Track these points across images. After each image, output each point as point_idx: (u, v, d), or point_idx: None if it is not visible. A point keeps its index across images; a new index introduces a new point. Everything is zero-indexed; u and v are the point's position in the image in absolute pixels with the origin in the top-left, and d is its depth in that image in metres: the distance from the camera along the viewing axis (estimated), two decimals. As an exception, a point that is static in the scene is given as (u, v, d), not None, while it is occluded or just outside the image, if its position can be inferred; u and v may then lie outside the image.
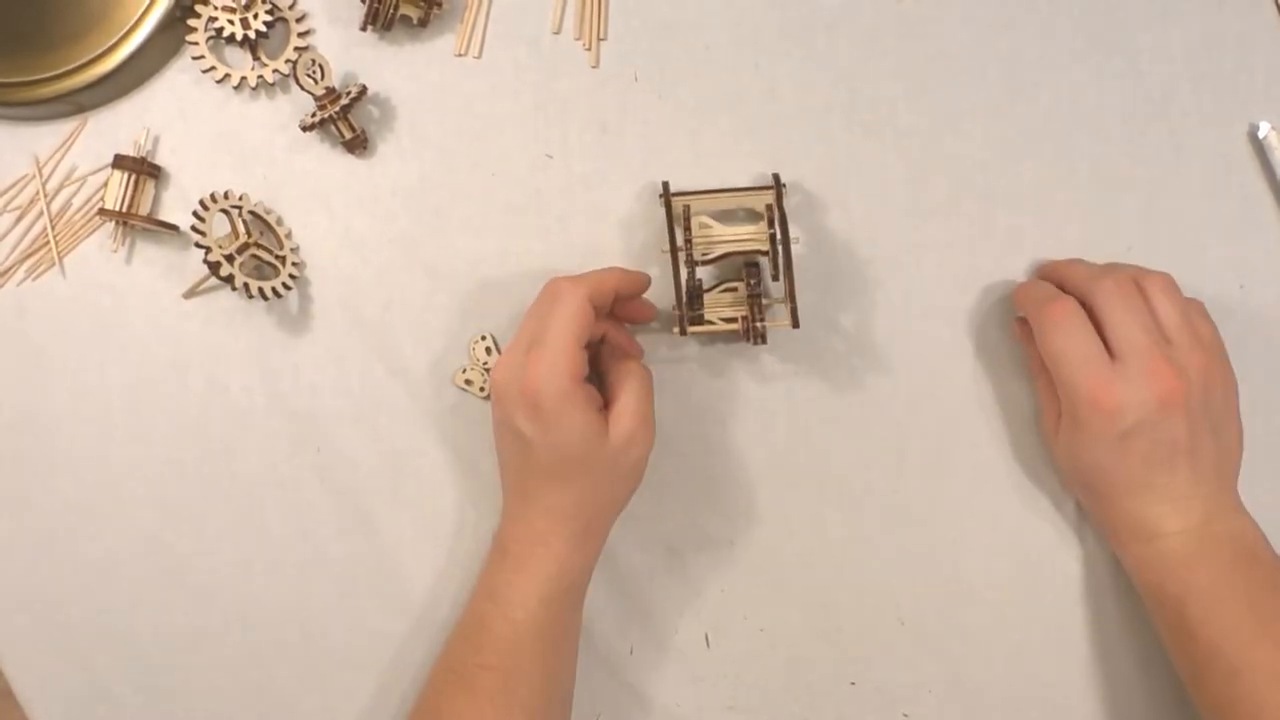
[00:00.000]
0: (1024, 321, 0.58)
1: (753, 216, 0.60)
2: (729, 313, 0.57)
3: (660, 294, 0.59)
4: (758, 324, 0.55)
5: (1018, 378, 0.61)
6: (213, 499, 0.61)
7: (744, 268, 0.57)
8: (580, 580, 0.55)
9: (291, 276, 0.60)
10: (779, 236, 0.54)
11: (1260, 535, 0.53)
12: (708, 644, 0.59)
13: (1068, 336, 0.53)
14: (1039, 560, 0.60)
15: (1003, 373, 0.61)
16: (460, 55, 0.63)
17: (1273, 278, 0.61)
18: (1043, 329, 0.54)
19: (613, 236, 0.61)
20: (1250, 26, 0.63)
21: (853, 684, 0.58)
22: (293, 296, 0.61)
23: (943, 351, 0.61)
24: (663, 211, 0.57)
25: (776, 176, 0.57)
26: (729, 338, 0.61)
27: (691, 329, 0.55)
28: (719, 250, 0.56)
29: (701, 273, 0.57)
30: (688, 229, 0.56)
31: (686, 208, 0.57)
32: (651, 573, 0.60)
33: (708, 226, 0.57)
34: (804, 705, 0.58)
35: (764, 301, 0.56)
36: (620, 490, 0.55)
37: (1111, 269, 0.56)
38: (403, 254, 0.62)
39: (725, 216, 0.59)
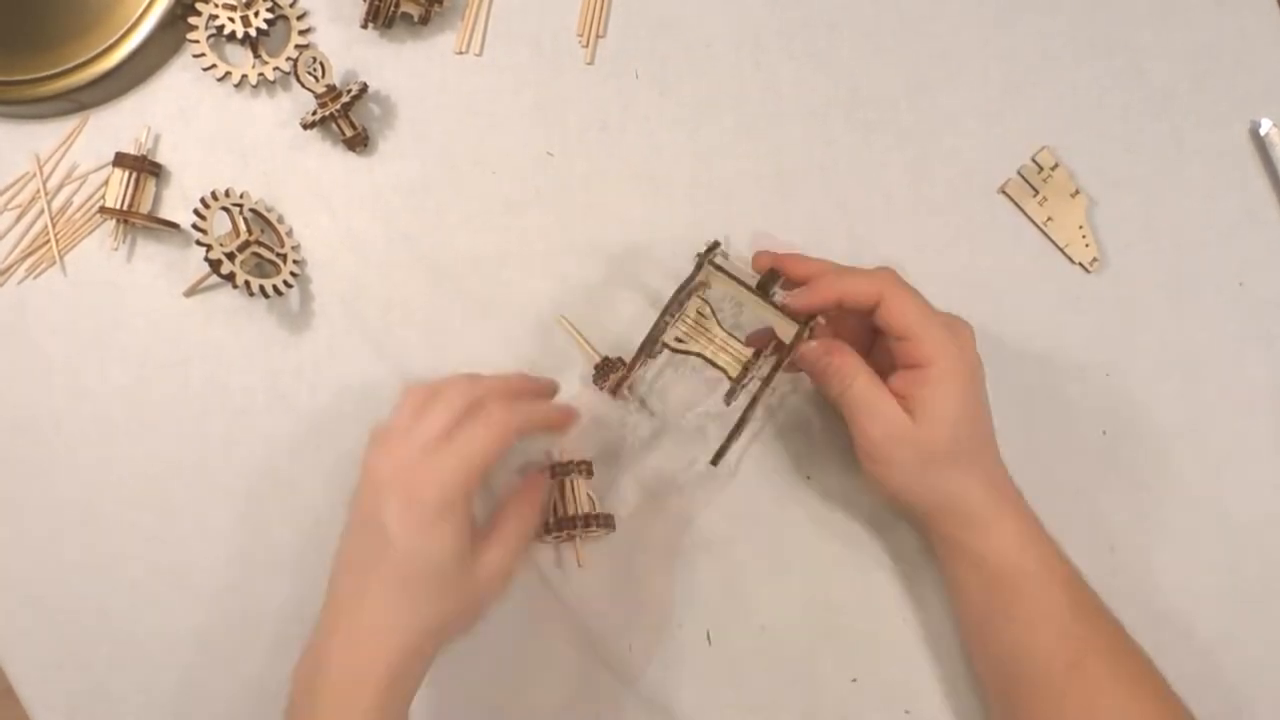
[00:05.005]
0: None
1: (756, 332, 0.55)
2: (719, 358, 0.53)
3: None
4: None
5: (1017, 376, 0.61)
6: (213, 498, 0.60)
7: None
8: None
9: (292, 274, 0.60)
10: (761, 382, 0.53)
11: None
12: (709, 641, 0.59)
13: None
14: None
15: (1002, 372, 0.61)
16: (461, 53, 0.63)
17: (1273, 275, 0.61)
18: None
19: (614, 235, 0.61)
20: (1251, 24, 0.63)
21: (854, 680, 0.58)
22: (293, 294, 0.61)
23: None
24: (665, 215, 0.56)
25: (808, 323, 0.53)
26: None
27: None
28: (694, 348, 0.53)
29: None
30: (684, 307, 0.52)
31: (703, 284, 0.54)
32: (651, 572, 0.60)
33: (705, 318, 0.54)
34: (806, 702, 0.58)
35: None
36: (458, 625, 0.51)
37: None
38: (403, 251, 0.62)
39: (733, 308, 0.56)
